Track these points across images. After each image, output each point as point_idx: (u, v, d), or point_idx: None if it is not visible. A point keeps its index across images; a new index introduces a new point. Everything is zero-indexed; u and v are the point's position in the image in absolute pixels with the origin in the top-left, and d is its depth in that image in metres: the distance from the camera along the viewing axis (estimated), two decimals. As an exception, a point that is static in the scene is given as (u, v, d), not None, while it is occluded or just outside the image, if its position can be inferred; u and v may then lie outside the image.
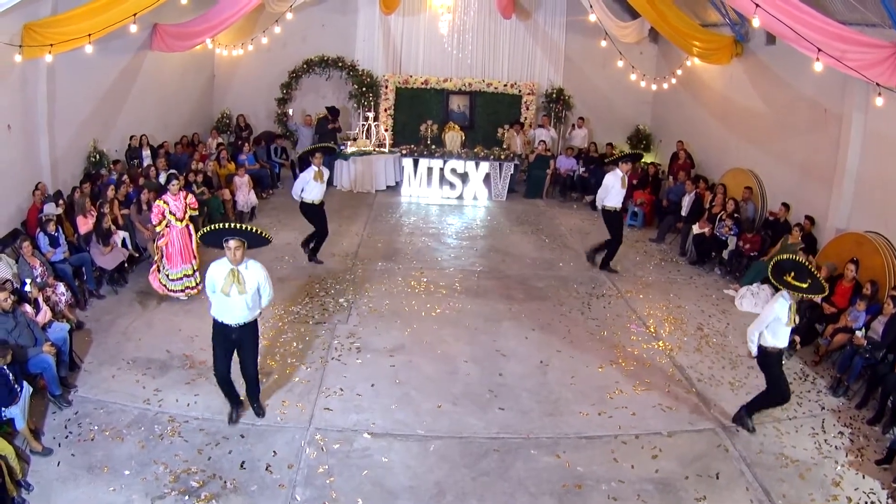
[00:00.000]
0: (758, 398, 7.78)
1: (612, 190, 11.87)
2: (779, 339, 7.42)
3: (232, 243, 6.79)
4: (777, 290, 7.82)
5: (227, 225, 6.96)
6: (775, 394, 7.67)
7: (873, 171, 10.65)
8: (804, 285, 7.20)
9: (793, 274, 7.25)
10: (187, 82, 16.86)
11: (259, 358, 7.71)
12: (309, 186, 11.51)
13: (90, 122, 12.50)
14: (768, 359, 7.57)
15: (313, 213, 11.79)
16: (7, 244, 9.43)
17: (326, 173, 11.69)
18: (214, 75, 18.56)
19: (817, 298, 9.11)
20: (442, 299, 10.81)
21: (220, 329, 7.11)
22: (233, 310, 6.99)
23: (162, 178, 11.87)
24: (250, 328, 7.19)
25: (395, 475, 6.75)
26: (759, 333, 7.50)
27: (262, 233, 7.03)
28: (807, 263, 7.46)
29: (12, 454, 6.25)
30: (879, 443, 7.61)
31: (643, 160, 17.78)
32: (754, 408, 7.81)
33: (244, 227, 6.96)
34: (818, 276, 7.35)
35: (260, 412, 7.56)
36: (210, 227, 7.09)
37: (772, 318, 7.34)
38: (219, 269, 6.97)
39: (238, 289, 6.88)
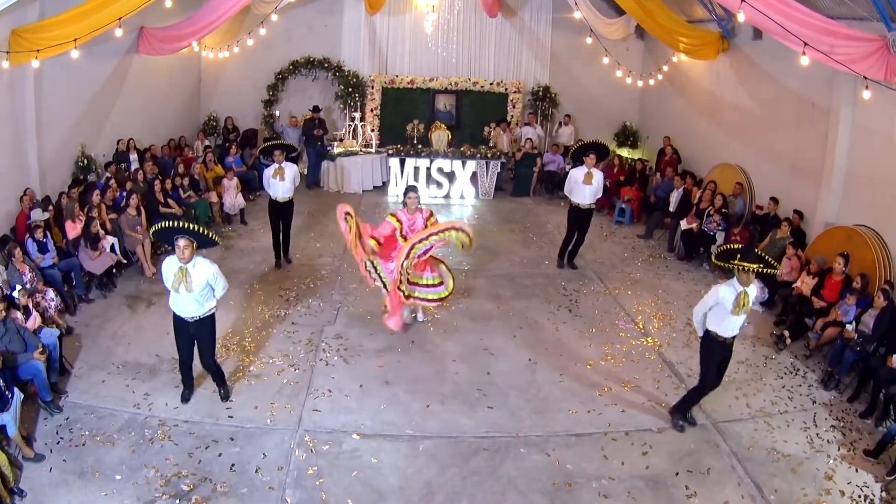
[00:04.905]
0: (689, 394, 7.77)
1: (576, 185, 11.65)
2: (721, 326, 7.22)
3: (181, 242, 6.98)
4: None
5: (177, 223, 7.09)
6: (700, 385, 7.59)
7: (862, 165, 10.70)
8: (753, 265, 6.91)
9: (738, 257, 7.04)
10: (174, 85, 16.77)
11: (217, 347, 8.12)
12: (270, 184, 11.43)
13: (78, 126, 12.43)
14: (707, 345, 7.42)
15: (275, 210, 11.63)
16: (-4, 251, 9.37)
17: (290, 171, 11.42)
18: (201, 78, 18.47)
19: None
20: (430, 299, 10.78)
21: (177, 321, 7.41)
22: (184, 304, 7.26)
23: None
24: (206, 323, 7.43)
25: (384, 476, 6.77)
26: (703, 315, 7.36)
27: (210, 235, 7.26)
28: (757, 250, 7.33)
29: (5, 461, 6.26)
30: (872, 436, 7.66)
31: (629, 156, 17.89)
32: (686, 405, 7.76)
33: (194, 227, 7.08)
34: (767, 257, 7.21)
35: (225, 396, 7.83)
36: (161, 225, 7.19)
37: (713, 301, 7.16)
38: (169, 266, 7.19)
39: (185, 286, 7.08)
